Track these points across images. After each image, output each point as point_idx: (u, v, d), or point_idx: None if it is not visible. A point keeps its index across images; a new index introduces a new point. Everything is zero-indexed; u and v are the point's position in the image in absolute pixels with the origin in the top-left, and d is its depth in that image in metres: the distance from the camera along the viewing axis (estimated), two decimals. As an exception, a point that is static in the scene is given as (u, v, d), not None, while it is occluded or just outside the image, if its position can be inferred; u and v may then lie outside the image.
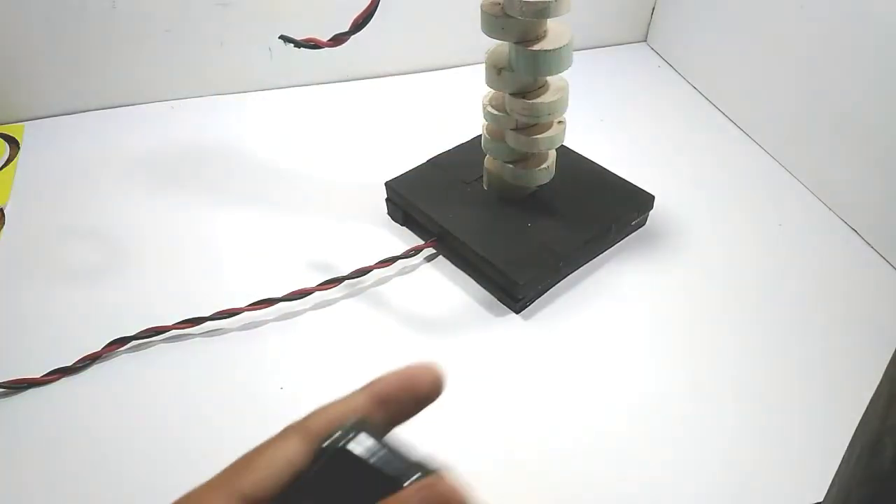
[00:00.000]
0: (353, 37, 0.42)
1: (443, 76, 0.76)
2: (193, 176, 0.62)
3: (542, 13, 0.43)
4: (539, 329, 0.49)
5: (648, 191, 0.55)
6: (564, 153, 0.57)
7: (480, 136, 0.54)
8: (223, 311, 0.48)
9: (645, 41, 0.83)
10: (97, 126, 0.68)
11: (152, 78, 0.70)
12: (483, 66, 0.48)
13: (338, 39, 0.42)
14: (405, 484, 0.20)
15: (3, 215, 0.58)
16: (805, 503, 0.39)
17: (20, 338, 0.48)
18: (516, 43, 0.45)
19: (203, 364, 0.46)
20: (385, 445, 0.21)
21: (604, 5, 0.79)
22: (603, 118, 0.70)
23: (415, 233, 0.56)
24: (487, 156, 0.54)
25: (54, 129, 0.67)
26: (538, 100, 0.47)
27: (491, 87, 0.50)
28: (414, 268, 0.54)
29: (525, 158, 0.52)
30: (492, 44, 0.48)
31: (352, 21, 0.41)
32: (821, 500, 0.29)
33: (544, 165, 0.52)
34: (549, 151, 0.53)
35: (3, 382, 0.44)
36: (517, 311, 0.50)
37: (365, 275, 0.51)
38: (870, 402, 0.24)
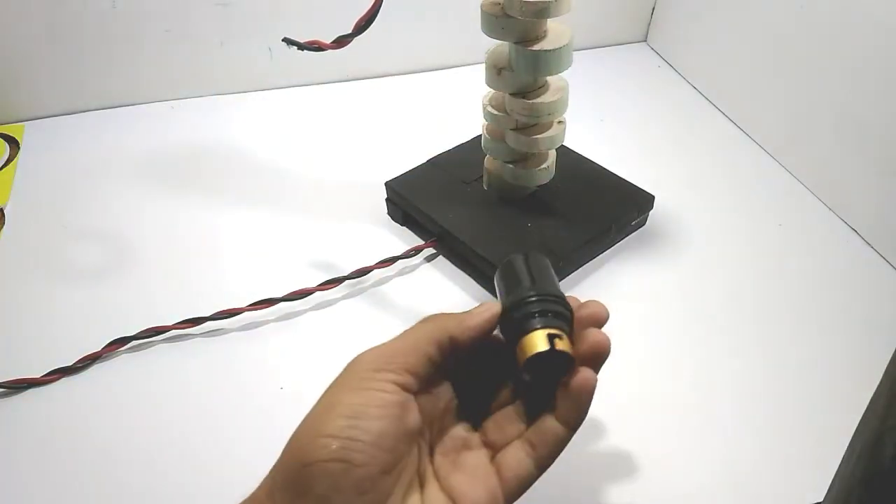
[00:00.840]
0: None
1: (443, 76, 0.76)
2: (193, 176, 0.62)
3: (542, 13, 0.43)
4: (539, 329, 0.49)
5: (648, 191, 0.55)
6: (564, 153, 0.57)
7: (480, 136, 0.54)
8: (223, 311, 0.48)
9: (645, 41, 0.83)
10: (97, 126, 0.68)
11: (152, 78, 0.70)
12: (483, 66, 0.48)
13: (341, 42, 0.42)
14: None
15: (3, 215, 0.58)
16: (805, 503, 0.39)
17: (20, 338, 0.48)
18: (516, 43, 0.45)
19: (203, 364, 0.46)
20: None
21: (604, 5, 0.79)
22: (603, 118, 0.70)
23: (415, 233, 0.56)
24: (487, 156, 0.54)
25: (54, 129, 0.67)
26: (538, 100, 0.47)
27: (491, 87, 0.50)
28: (414, 268, 0.54)
29: (525, 158, 0.52)
30: (492, 44, 0.48)
31: (354, 23, 0.41)
32: (821, 500, 0.29)
33: (544, 165, 0.52)
34: (549, 151, 0.53)
35: (3, 382, 0.44)
36: (517, 311, 0.50)
37: (365, 275, 0.51)
38: (870, 402, 0.24)
